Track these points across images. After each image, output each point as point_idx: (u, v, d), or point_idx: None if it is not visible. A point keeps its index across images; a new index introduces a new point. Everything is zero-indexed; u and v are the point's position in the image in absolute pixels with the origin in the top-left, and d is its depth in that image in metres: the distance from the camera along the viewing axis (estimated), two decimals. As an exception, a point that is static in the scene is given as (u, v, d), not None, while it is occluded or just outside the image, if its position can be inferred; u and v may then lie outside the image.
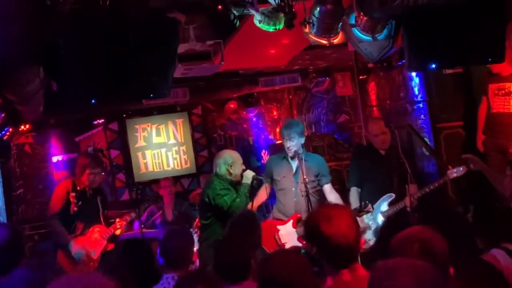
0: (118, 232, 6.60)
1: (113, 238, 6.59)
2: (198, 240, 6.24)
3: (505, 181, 5.08)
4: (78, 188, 6.44)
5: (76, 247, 6.26)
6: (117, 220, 6.67)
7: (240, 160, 5.99)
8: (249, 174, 5.88)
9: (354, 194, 6.30)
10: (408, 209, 5.82)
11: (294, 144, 5.92)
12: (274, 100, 10.51)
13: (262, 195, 6.18)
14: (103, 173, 6.74)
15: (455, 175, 5.87)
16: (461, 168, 5.83)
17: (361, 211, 5.76)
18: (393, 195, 6.06)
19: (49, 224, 6.52)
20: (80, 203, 6.36)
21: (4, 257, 3.64)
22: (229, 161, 5.94)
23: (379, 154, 6.31)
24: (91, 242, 6.41)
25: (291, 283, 2.61)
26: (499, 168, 5.76)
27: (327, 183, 6.10)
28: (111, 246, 6.53)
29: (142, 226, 6.64)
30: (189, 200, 8.41)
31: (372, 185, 6.23)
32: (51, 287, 2.05)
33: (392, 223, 4.98)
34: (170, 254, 4.02)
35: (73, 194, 6.36)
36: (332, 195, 6.06)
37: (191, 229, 7.03)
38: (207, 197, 5.90)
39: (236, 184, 5.93)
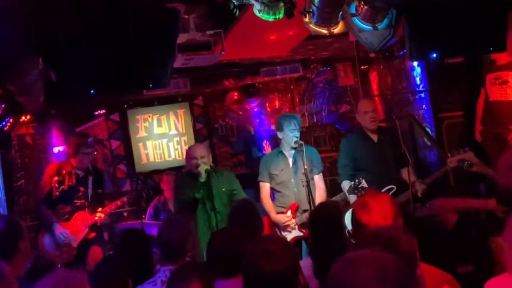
0: (96, 218, 6.41)
1: (95, 227, 6.45)
2: None
3: None
4: (64, 171, 6.34)
5: (59, 229, 6.18)
6: (99, 209, 6.47)
7: (192, 154, 5.93)
8: (202, 169, 5.78)
9: (347, 187, 5.92)
10: (419, 195, 5.71)
11: (299, 134, 5.98)
12: (275, 90, 10.48)
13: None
14: (95, 153, 6.69)
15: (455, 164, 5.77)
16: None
17: (356, 188, 5.64)
18: (394, 187, 5.91)
19: (37, 210, 6.47)
20: (62, 187, 6.28)
21: None
22: (186, 153, 6.10)
23: (372, 141, 6.13)
24: (74, 229, 6.30)
25: (281, 274, 2.58)
26: (496, 158, 5.70)
27: (318, 173, 6.18)
28: (92, 235, 6.40)
29: (143, 217, 6.61)
30: None
31: (368, 175, 5.87)
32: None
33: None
34: (166, 246, 3.97)
35: (55, 178, 6.28)
36: (320, 184, 6.16)
37: None
38: None
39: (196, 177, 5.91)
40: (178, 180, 6.11)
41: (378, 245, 2.30)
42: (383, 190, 5.74)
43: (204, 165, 5.78)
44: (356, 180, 5.71)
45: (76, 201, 6.38)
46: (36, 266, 4.34)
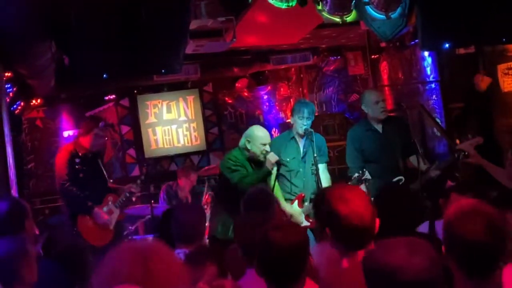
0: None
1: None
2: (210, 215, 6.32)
3: (506, 166, 5.05)
4: (80, 153, 6.06)
5: (98, 212, 5.99)
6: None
7: (262, 141, 5.75)
8: (272, 158, 5.68)
9: None
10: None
11: (310, 123, 5.91)
12: (285, 78, 10.47)
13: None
14: (106, 138, 6.45)
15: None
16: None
17: (359, 180, 5.52)
18: (403, 178, 5.84)
19: (63, 192, 6.04)
20: (85, 168, 6.03)
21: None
22: (248, 136, 5.83)
23: (377, 132, 5.99)
24: (109, 210, 6.14)
25: (294, 246, 2.63)
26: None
27: (323, 162, 6.07)
28: (121, 217, 6.30)
29: (152, 201, 6.62)
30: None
31: (376, 166, 5.77)
32: (111, 254, 1.96)
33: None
34: (182, 229, 4.01)
35: (77, 160, 6.01)
36: (324, 175, 6.01)
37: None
38: (221, 166, 5.95)
39: (256, 163, 5.84)
40: (235, 161, 5.76)
41: (482, 224, 2.29)
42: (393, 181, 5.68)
43: (273, 155, 5.71)
44: (360, 172, 5.61)
45: (99, 182, 6.20)
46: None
